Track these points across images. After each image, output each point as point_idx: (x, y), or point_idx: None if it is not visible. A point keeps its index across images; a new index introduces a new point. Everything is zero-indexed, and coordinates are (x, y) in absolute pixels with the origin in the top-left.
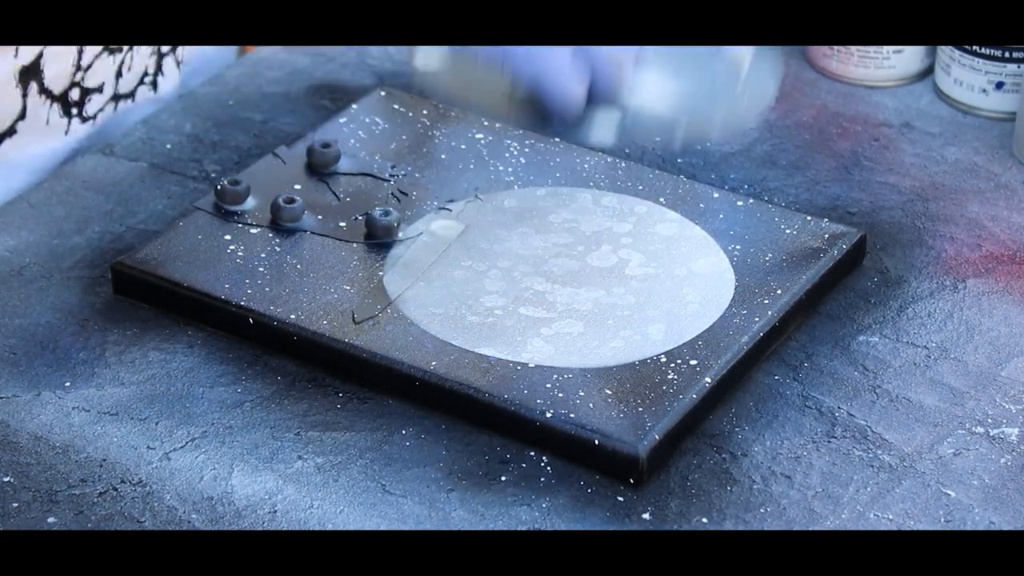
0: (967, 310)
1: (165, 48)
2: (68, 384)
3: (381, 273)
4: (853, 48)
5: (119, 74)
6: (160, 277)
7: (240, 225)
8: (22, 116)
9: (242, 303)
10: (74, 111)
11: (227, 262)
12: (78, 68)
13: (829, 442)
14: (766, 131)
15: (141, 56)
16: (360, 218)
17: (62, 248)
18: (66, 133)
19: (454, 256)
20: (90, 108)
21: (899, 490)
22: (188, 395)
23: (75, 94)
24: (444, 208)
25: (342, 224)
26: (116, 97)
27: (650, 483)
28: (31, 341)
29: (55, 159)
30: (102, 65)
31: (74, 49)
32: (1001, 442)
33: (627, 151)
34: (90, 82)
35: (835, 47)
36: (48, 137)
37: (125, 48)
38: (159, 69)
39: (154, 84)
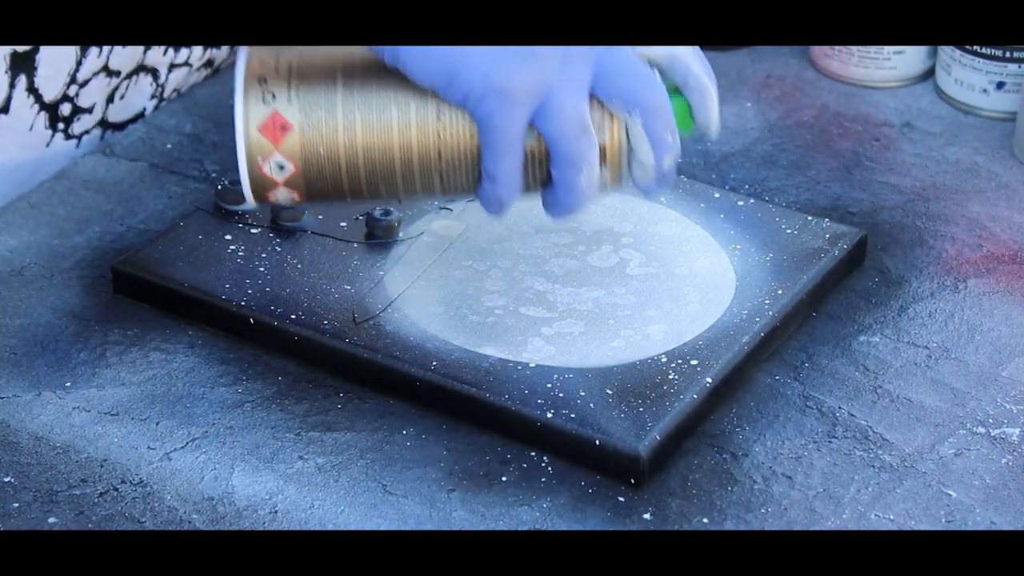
0: (968, 310)
1: (168, 92)
2: (69, 384)
3: (382, 273)
4: (854, 48)
5: (110, 99)
6: (161, 277)
7: (240, 225)
8: (4, 110)
9: (243, 303)
10: (60, 126)
11: (228, 262)
12: (73, 81)
13: (830, 442)
14: (767, 131)
15: (139, 93)
16: (360, 218)
17: (63, 248)
18: (47, 146)
19: (454, 256)
20: (76, 128)
21: (900, 490)
22: (189, 395)
23: (66, 109)
24: (445, 208)
25: (343, 224)
26: (104, 124)
27: (651, 483)
28: (31, 341)
29: (27, 171)
30: (97, 85)
31: (72, 59)
32: (1002, 442)
33: None
34: (83, 101)
35: (836, 47)
36: (28, 146)
37: (122, 74)
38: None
39: None
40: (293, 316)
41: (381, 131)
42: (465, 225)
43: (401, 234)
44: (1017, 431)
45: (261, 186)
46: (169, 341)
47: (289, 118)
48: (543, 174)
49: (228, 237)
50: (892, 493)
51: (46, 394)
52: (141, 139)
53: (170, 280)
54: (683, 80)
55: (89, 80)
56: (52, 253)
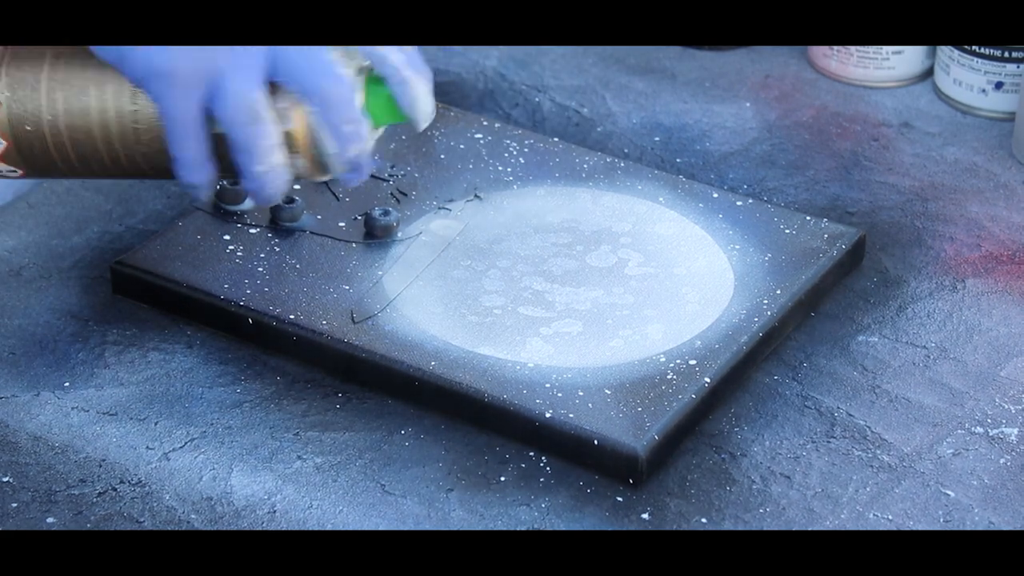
0: (966, 310)
1: None
2: (67, 384)
3: (380, 273)
4: (853, 48)
5: None
6: (159, 277)
7: (239, 225)
8: None
9: (241, 303)
10: None
11: (226, 262)
12: None
13: (828, 442)
14: (765, 131)
15: None
16: (359, 218)
17: (61, 248)
18: None
19: (453, 256)
20: None
21: (898, 490)
22: (187, 395)
23: None
24: (443, 208)
25: (341, 224)
26: None
27: (649, 483)
28: (30, 341)
29: None
30: None
31: None
32: (1000, 442)
33: (626, 151)
34: None
35: (835, 47)
36: None
37: None
38: None
39: None
40: (292, 316)
41: (81, 111)
42: (464, 225)
43: (400, 234)
44: (1015, 431)
45: None
46: (168, 341)
47: None
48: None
49: (227, 237)
50: (890, 493)
51: (45, 394)
52: None
53: (169, 280)
54: (384, 72)
55: None
56: (51, 253)
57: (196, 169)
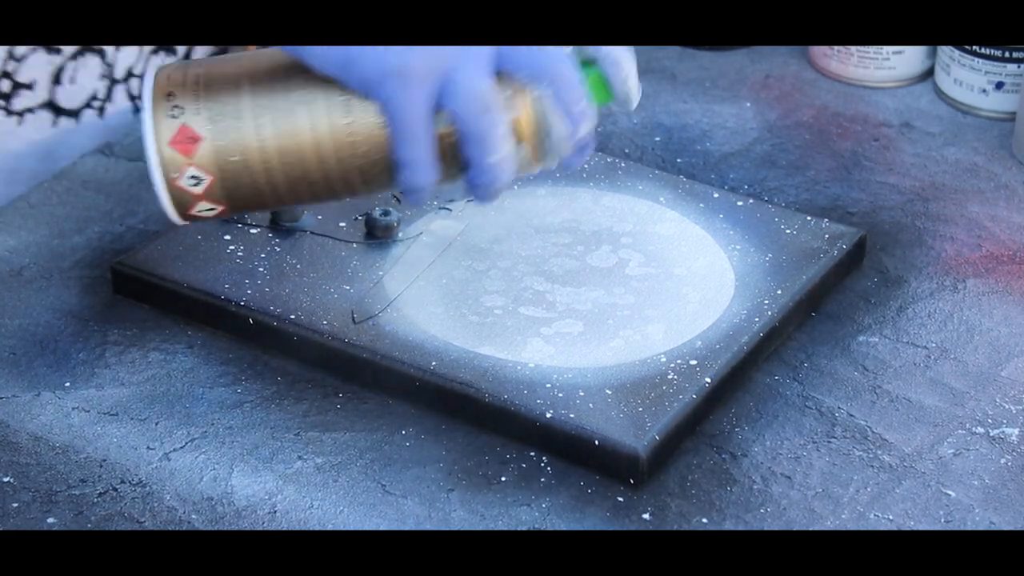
0: (967, 310)
1: (118, 75)
2: (68, 384)
3: (381, 273)
4: (853, 48)
5: (56, 80)
6: (160, 277)
7: (240, 225)
8: None
9: (242, 303)
10: (1, 103)
11: (227, 262)
12: (10, 56)
13: (829, 442)
14: (766, 131)
15: (88, 74)
16: (360, 218)
17: (62, 248)
18: None
19: (454, 256)
20: (17, 104)
21: (899, 490)
22: (188, 395)
23: (5, 85)
24: (444, 208)
25: (342, 224)
26: (55, 109)
27: (650, 483)
28: (31, 341)
29: None
30: (36, 61)
31: None
32: (1001, 442)
33: (627, 151)
34: (22, 76)
35: (835, 47)
36: None
37: (64, 52)
38: (109, 96)
39: (101, 110)
40: (292, 316)
41: (292, 132)
42: (464, 225)
43: (400, 234)
44: (1016, 431)
45: (181, 201)
46: (168, 341)
47: (198, 129)
48: (461, 157)
49: (227, 237)
50: (891, 493)
51: (45, 394)
52: (140, 139)
53: (169, 280)
54: (595, 51)
55: (27, 55)
56: (51, 253)
57: (424, 170)
